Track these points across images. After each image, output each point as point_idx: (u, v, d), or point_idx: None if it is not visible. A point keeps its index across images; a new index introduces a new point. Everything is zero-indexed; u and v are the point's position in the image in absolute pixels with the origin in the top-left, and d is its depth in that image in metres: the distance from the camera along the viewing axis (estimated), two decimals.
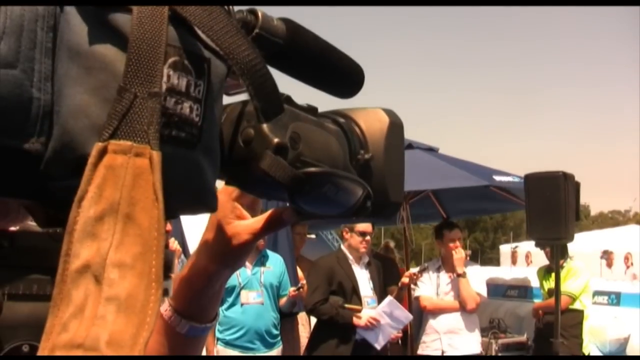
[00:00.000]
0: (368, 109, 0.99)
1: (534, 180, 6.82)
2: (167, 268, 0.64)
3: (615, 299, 8.45)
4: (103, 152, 0.61)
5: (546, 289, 7.95)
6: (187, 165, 0.70)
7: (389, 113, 0.99)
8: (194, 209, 0.75)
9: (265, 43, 0.82)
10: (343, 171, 0.86)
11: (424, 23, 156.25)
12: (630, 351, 7.66)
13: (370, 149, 0.94)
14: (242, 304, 6.92)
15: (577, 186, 6.80)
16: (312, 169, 0.80)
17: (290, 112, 0.84)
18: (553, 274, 7.16)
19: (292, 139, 0.80)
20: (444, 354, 7.40)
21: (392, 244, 10.58)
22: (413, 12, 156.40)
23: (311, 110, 0.90)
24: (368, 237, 7.10)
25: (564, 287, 7.37)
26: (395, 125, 0.99)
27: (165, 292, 0.65)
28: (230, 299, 6.89)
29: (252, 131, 0.81)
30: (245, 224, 1.05)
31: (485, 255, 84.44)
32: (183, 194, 0.71)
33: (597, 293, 8.41)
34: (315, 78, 0.91)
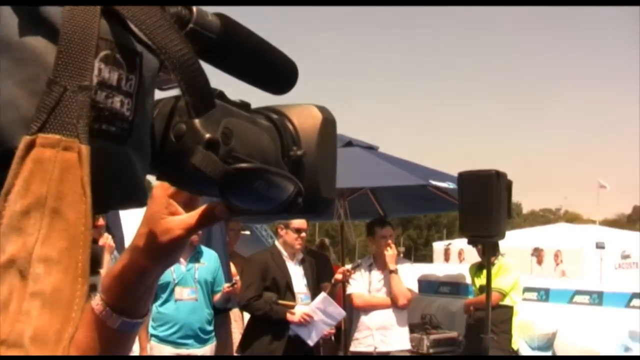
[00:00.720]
0: (301, 105, 0.99)
1: (467, 179, 6.88)
2: (95, 263, 0.64)
3: (545, 295, 8.59)
4: (31, 146, 0.61)
5: (477, 286, 8.04)
6: (116, 160, 0.69)
7: (322, 110, 0.99)
8: (124, 204, 0.75)
9: (199, 38, 0.82)
10: (274, 167, 0.86)
11: (364, 20, 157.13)
12: (558, 346, 7.78)
13: (302, 146, 0.94)
14: (176, 300, 6.88)
15: (509, 185, 6.88)
16: (243, 165, 0.80)
17: (223, 108, 0.83)
18: (484, 271, 7.25)
19: (224, 134, 0.80)
20: (376, 350, 7.45)
21: (327, 242, 10.61)
22: (355, 11, 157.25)
23: (244, 106, 0.90)
24: (303, 234, 7.11)
25: (495, 283, 7.46)
26: (328, 122, 0.99)
27: (93, 288, 0.64)
28: (164, 295, 6.85)
29: (184, 126, 0.81)
30: (178, 220, 1.04)
31: (418, 252, 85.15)
32: (112, 188, 0.70)
33: (526, 289, 8.52)
34: (249, 74, 0.91)
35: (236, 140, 0.82)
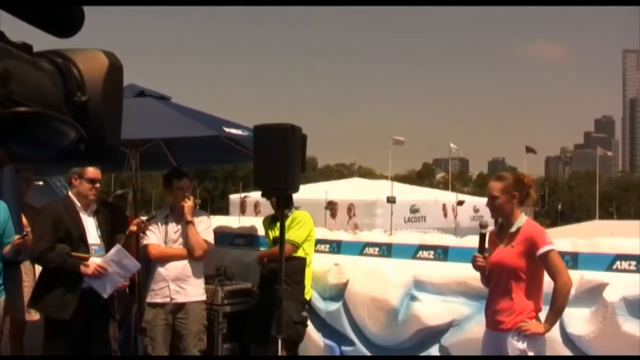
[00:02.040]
0: (88, 50, 0.97)
1: (262, 132, 6.96)
2: None
3: (337, 247, 8.80)
4: None
5: (271, 238, 8.14)
6: None
7: (109, 55, 0.97)
8: None
9: None
10: (55, 112, 0.84)
11: None
12: (348, 296, 8.00)
13: (87, 91, 0.92)
14: None
15: (303, 139, 7.01)
16: (21, 109, 0.78)
17: (2, 49, 0.81)
18: (278, 223, 7.37)
19: (2, 77, 0.78)
20: (173, 301, 7.46)
21: (130, 195, 10.41)
22: None
23: (25, 48, 0.87)
24: (97, 185, 7.00)
25: (289, 235, 7.59)
26: (115, 68, 0.97)
27: None
28: None
29: None
30: None
31: (215, 204, 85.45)
32: None
33: (320, 241, 8.71)
34: (32, 14, 0.89)
35: (16, 83, 0.80)
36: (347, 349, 8.00)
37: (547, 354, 5.70)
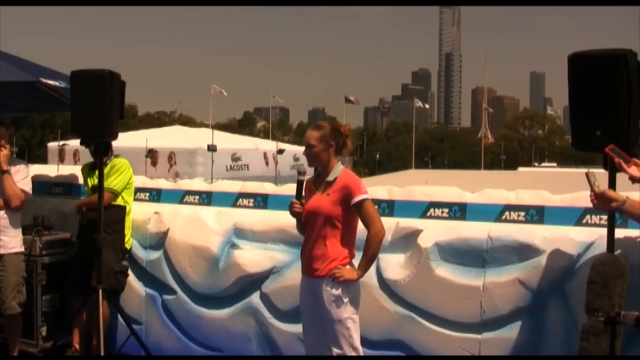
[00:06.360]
0: None
1: (79, 78, 6.81)
2: None
3: (156, 195, 8.75)
4: None
5: (90, 186, 8.00)
6: None
7: None
8: None
9: None
10: None
11: None
12: (169, 244, 7.92)
13: None
14: None
15: (122, 85, 6.92)
16: None
17: None
18: (97, 171, 7.27)
19: None
20: None
21: None
22: None
23: None
24: None
25: (107, 183, 7.50)
26: None
27: None
28: None
29: None
30: None
31: (33, 152, 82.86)
32: None
33: (139, 189, 8.64)
34: None
35: None
36: (168, 298, 8.00)
37: (365, 299, 5.87)
